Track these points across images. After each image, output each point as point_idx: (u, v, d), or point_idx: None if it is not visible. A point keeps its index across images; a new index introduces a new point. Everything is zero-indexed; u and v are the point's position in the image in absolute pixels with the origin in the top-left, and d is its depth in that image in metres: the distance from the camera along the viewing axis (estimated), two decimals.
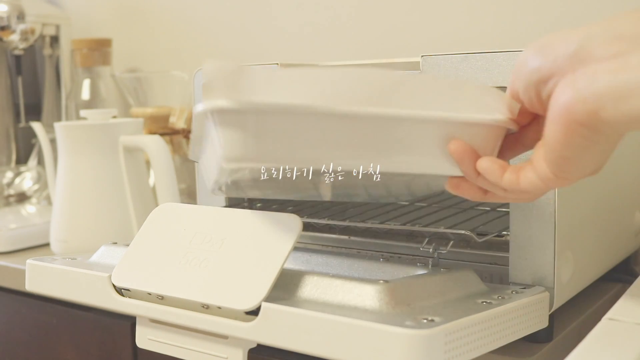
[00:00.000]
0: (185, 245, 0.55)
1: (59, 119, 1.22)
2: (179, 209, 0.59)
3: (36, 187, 1.18)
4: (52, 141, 1.00)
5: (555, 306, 0.57)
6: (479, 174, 0.46)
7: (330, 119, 0.42)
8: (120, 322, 0.80)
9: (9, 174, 1.18)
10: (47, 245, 0.96)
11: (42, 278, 0.63)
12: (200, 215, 0.57)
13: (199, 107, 0.42)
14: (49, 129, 1.04)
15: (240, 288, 0.49)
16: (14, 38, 1.14)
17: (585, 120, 0.37)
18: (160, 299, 0.54)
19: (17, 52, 1.19)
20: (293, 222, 0.52)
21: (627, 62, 0.36)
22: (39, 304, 0.88)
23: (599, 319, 0.46)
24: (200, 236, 0.55)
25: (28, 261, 0.63)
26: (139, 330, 0.58)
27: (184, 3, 1.26)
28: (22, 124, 1.22)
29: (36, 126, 1.02)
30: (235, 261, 0.52)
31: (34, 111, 1.24)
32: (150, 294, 0.54)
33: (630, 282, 0.57)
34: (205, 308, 0.51)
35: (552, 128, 0.40)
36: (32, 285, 0.64)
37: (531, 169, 0.44)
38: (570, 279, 0.59)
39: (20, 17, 1.13)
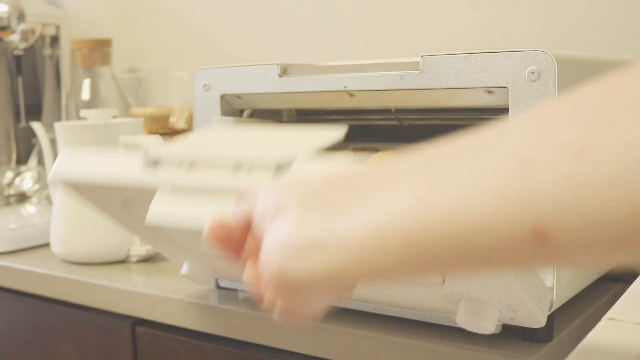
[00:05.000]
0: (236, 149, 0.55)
1: (59, 119, 1.22)
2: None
3: (36, 187, 1.18)
4: (52, 141, 1.01)
5: (555, 306, 0.56)
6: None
7: None
8: (120, 322, 0.80)
9: (9, 174, 1.18)
10: (47, 245, 0.96)
11: (71, 165, 0.59)
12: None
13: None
14: (49, 129, 1.04)
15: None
16: (14, 38, 1.14)
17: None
18: (192, 167, 0.52)
19: (17, 52, 1.19)
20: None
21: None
22: (39, 304, 0.88)
23: (599, 319, 0.46)
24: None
25: (62, 150, 0.61)
26: (155, 202, 0.53)
27: (184, 3, 1.26)
28: (22, 124, 1.22)
29: (36, 126, 1.02)
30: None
31: (34, 111, 1.24)
32: (182, 162, 0.53)
33: (630, 282, 0.57)
34: (236, 169, 0.50)
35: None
36: (56, 175, 0.60)
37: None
38: (570, 279, 0.59)
39: (21, 17, 1.13)
